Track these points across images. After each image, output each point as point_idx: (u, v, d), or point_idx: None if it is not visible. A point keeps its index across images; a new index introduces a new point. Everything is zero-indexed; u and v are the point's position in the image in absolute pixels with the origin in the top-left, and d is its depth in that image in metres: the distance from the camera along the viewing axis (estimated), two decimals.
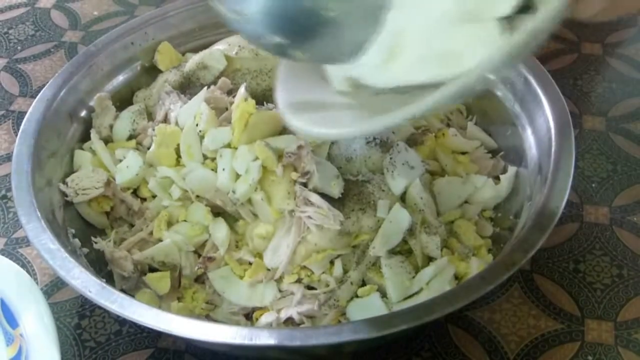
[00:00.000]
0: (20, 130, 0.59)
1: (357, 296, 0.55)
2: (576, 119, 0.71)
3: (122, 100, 0.68)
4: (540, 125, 0.59)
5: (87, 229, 0.60)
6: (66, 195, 0.59)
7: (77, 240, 0.57)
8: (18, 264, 0.57)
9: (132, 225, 0.61)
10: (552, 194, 0.53)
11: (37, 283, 0.55)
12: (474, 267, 0.55)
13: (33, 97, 0.63)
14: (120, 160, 0.62)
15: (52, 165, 0.60)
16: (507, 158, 0.63)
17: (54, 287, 0.60)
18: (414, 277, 0.55)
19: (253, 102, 0.58)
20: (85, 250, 0.57)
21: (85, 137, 0.65)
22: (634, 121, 0.71)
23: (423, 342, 0.56)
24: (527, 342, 0.56)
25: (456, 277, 0.55)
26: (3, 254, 0.59)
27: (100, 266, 0.57)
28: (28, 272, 0.57)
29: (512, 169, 0.61)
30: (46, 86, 0.62)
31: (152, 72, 0.69)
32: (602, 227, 0.63)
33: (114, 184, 0.61)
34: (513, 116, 0.63)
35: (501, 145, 0.65)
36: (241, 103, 0.58)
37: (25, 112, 0.60)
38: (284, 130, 0.58)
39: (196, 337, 0.47)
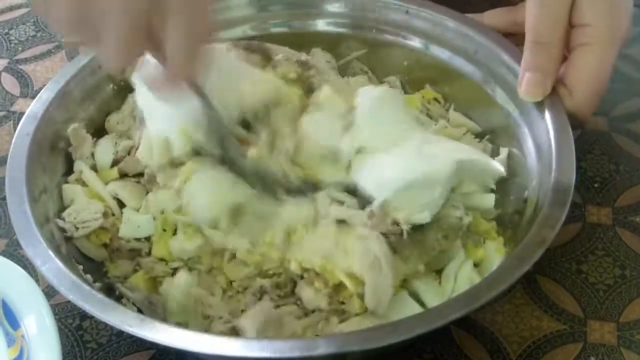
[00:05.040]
0: (7, 170, 0.57)
1: None
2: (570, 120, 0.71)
3: (98, 127, 0.65)
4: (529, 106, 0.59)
5: (86, 262, 0.58)
6: (65, 231, 0.58)
7: (89, 276, 0.55)
8: (19, 265, 0.57)
9: (132, 257, 0.59)
10: (560, 169, 0.54)
11: (38, 284, 0.55)
12: (492, 250, 0.55)
13: (34, 97, 0.62)
14: (113, 197, 0.61)
15: (45, 201, 0.58)
16: (495, 140, 0.64)
17: (54, 289, 0.60)
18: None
19: None
20: (98, 285, 0.56)
21: (68, 170, 0.63)
22: (636, 121, 0.71)
23: (425, 344, 0.56)
24: (530, 342, 0.55)
25: (475, 264, 0.56)
26: (4, 256, 0.59)
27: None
28: (29, 273, 0.57)
29: (504, 150, 0.61)
30: (26, 113, 0.61)
31: (123, 93, 0.67)
32: (604, 227, 0.63)
33: (111, 216, 0.60)
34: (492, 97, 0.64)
35: (485, 128, 0.65)
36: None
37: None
38: None
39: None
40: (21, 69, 0.81)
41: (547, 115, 0.58)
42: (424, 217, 0.54)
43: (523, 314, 0.57)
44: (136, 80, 0.59)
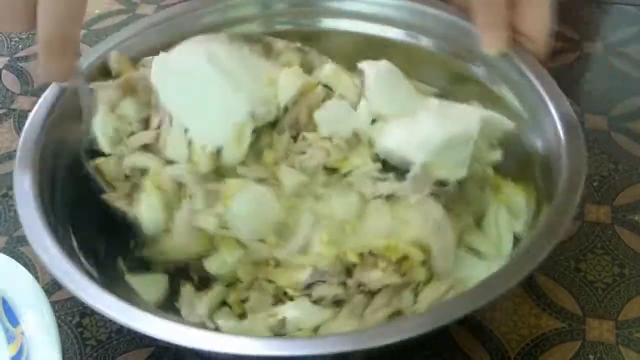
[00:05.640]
0: (15, 184, 0.54)
1: None
2: (577, 118, 0.71)
3: None
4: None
5: None
6: None
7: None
8: (19, 262, 0.57)
9: None
10: (569, 147, 0.54)
11: (38, 281, 0.55)
12: (511, 193, 0.57)
13: (34, 95, 0.62)
14: None
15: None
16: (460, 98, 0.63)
17: (55, 286, 0.60)
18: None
19: None
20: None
21: None
22: (635, 120, 0.71)
23: (424, 341, 0.56)
24: (528, 340, 0.56)
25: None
26: (4, 252, 0.59)
27: None
28: (29, 270, 0.57)
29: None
30: (21, 138, 0.56)
31: None
32: (603, 226, 0.63)
33: None
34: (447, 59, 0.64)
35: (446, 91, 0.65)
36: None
37: (27, 111, 0.60)
38: None
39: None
40: (21, 67, 0.81)
41: (519, 63, 0.59)
42: (462, 172, 0.55)
43: (521, 312, 0.57)
44: (156, 73, 0.55)
